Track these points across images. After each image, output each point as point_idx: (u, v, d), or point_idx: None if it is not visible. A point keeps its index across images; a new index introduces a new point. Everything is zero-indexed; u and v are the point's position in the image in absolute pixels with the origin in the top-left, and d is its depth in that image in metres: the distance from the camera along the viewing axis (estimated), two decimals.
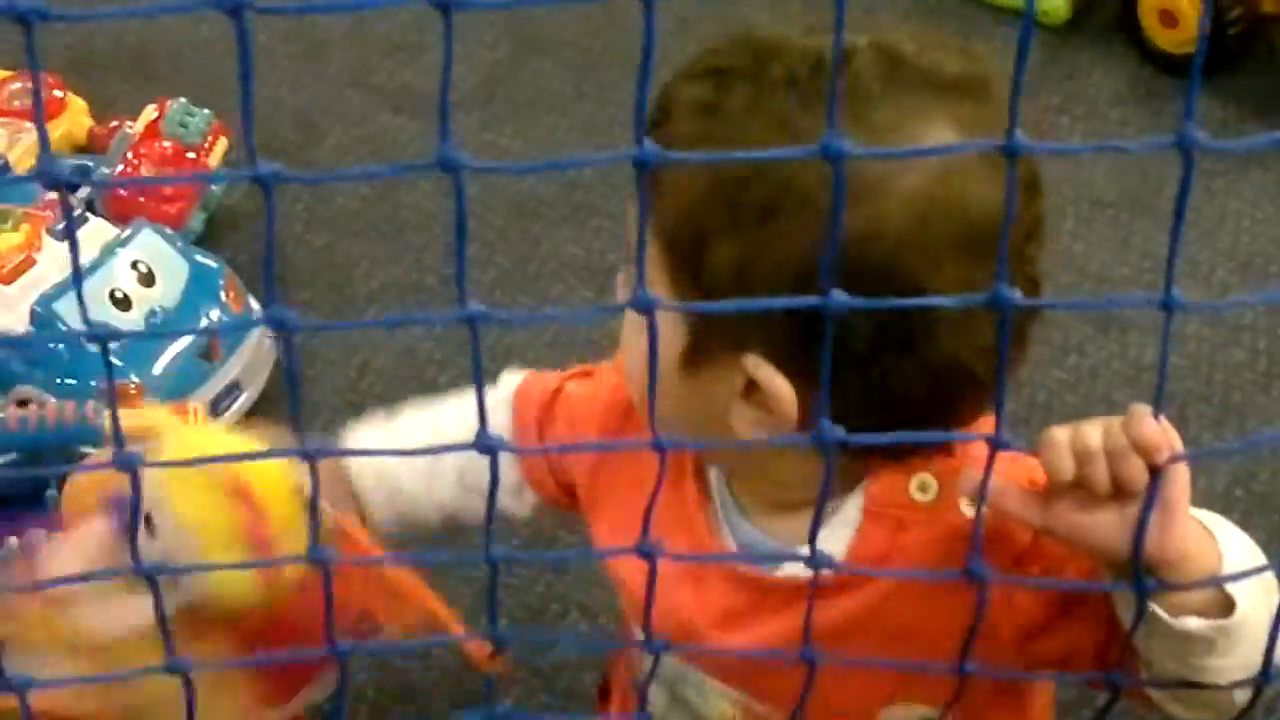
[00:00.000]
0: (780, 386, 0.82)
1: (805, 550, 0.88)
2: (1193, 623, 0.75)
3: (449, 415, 1.10)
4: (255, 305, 1.85)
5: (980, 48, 0.85)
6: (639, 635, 0.99)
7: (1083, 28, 2.39)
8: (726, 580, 0.94)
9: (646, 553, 0.64)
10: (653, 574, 0.64)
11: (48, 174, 0.57)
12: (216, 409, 1.74)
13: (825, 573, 0.87)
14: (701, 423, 0.85)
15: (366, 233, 2.06)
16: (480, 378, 0.62)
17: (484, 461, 1.03)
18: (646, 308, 0.59)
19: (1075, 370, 1.91)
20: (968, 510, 0.86)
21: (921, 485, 0.88)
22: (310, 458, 0.62)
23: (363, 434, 1.09)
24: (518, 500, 1.09)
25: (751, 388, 0.83)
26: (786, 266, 0.78)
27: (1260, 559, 0.80)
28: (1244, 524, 1.70)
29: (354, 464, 1.07)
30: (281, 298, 1.93)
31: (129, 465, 0.64)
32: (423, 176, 2.10)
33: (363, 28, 2.35)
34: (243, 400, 1.77)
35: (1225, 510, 1.77)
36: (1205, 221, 2.11)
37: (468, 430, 1.04)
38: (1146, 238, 2.09)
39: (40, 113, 0.58)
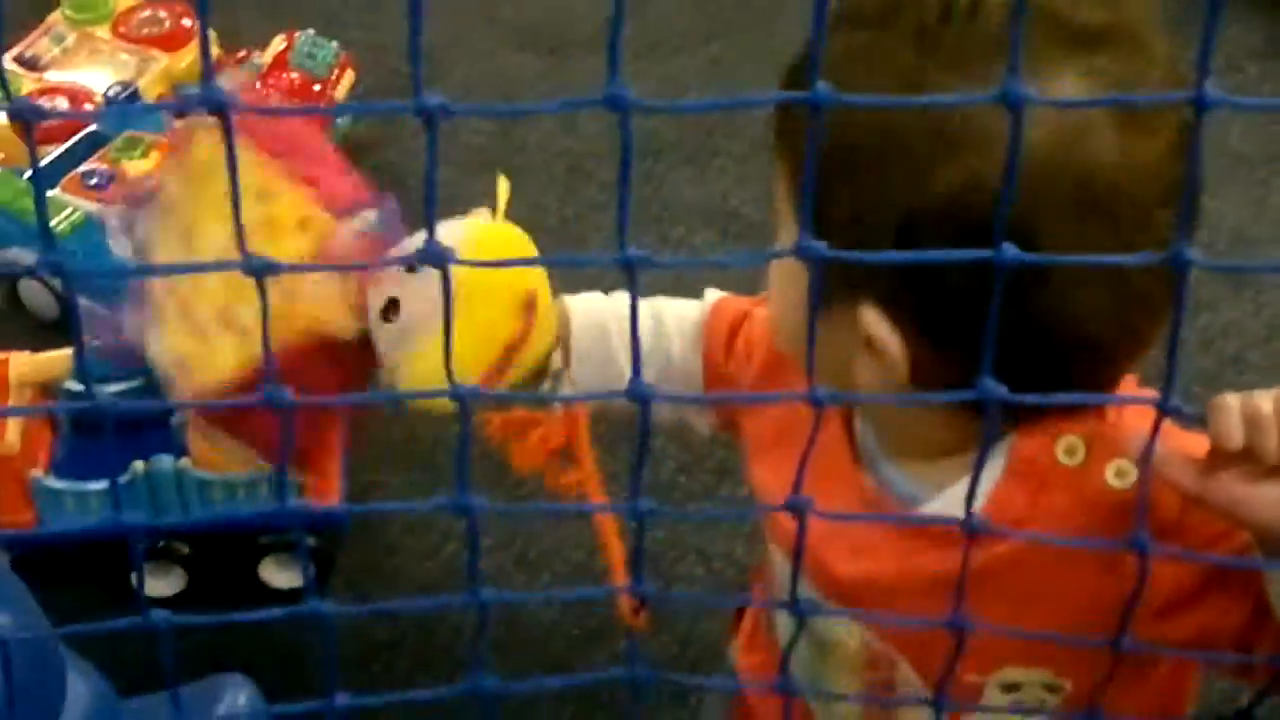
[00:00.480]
0: (891, 342, 0.80)
1: (941, 495, 0.88)
2: None
3: (669, 310, 1.08)
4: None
5: None
6: (777, 558, 0.99)
7: None
8: (862, 509, 0.93)
9: (796, 508, 0.63)
10: (801, 532, 0.62)
11: (210, 98, 0.56)
12: None
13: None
14: (834, 372, 0.84)
15: (488, 170, 2.05)
16: (636, 323, 0.60)
17: (687, 368, 1.05)
18: (811, 255, 0.58)
19: (1206, 330, 1.87)
20: (1113, 480, 0.84)
21: (1069, 449, 0.86)
22: None
23: (584, 299, 1.08)
24: (700, 418, 1.09)
25: (871, 341, 0.82)
26: (890, 218, 0.77)
27: None
28: None
29: (575, 322, 1.06)
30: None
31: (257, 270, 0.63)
32: (545, 116, 2.10)
33: None
34: None
35: None
36: None
37: (683, 328, 1.06)
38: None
39: (205, 38, 0.57)
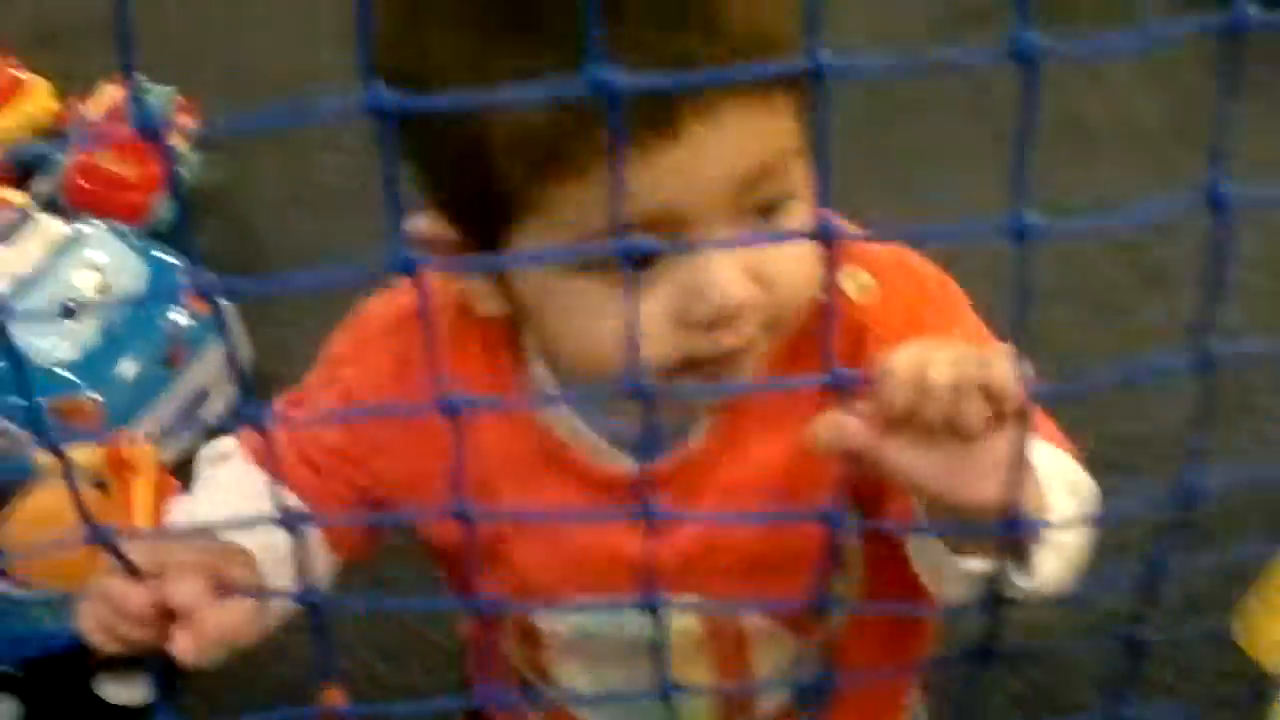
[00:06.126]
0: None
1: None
2: (976, 566, 0.74)
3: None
4: (224, 302, 1.71)
5: None
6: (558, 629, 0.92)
7: None
8: (577, 487, 0.86)
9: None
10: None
11: None
12: (185, 419, 1.61)
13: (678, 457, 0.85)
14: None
15: (350, 212, 1.92)
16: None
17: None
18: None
19: (1122, 334, 1.76)
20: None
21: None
22: None
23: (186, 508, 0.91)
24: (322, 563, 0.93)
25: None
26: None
27: (1070, 476, 0.80)
28: None
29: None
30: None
31: None
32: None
33: None
34: (210, 409, 1.64)
35: None
36: (1255, 153, 1.95)
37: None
38: (1193, 173, 1.93)
39: None
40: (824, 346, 0.56)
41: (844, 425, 0.67)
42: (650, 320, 0.75)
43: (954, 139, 2.01)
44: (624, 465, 0.86)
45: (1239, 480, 0.58)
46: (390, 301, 0.90)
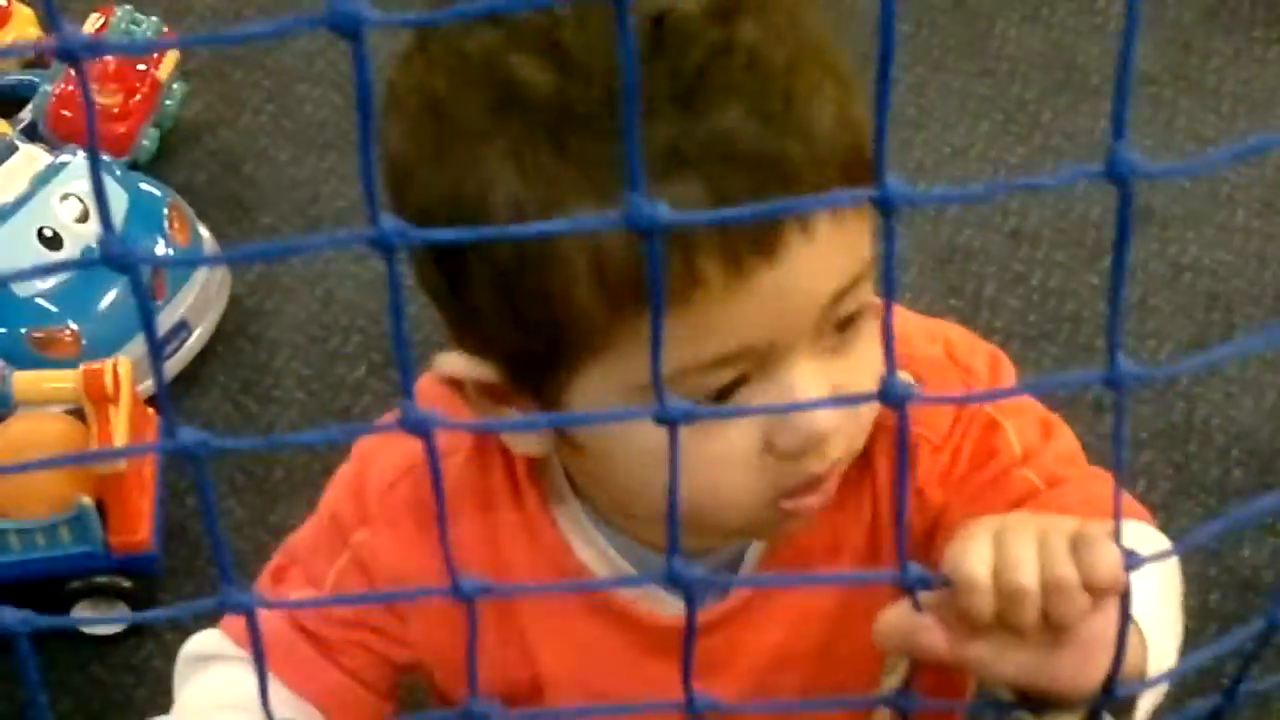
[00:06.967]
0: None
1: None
2: None
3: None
4: (205, 234, 1.69)
5: None
6: None
7: None
8: (618, 632, 0.82)
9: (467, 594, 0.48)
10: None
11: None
12: (165, 351, 1.60)
13: (724, 605, 0.80)
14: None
15: (335, 145, 1.90)
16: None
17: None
18: None
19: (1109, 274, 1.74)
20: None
21: None
22: None
23: None
24: None
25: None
26: None
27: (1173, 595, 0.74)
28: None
29: None
30: (239, 221, 1.75)
31: None
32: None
33: None
34: (193, 341, 1.63)
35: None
36: (1256, 95, 1.93)
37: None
38: (1192, 117, 1.91)
39: None
40: (899, 533, 0.50)
41: (917, 628, 0.62)
42: (737, 455, 0.70)
43: (946, 78, 1.99)
44: (669, 609, 0.80)
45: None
46: (394, 448, 0.81)
